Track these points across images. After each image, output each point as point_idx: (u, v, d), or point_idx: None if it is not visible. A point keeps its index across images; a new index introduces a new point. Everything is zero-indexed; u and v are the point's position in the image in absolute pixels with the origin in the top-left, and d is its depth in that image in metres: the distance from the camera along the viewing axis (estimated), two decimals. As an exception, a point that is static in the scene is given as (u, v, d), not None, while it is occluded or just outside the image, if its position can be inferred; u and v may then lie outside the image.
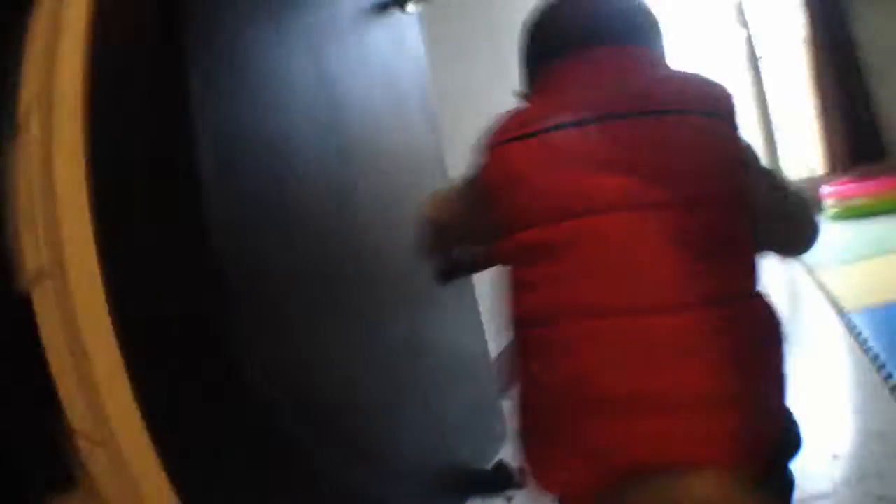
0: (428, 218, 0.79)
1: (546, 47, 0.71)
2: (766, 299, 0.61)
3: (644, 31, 0.71)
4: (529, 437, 0.62)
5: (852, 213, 3.84)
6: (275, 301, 0.93)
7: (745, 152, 0.64)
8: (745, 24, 4.50)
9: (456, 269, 0.88)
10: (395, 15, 1.46)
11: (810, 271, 2.77)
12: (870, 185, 3.86)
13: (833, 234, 3.46)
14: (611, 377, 0.55)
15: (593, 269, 0.58)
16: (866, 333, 1.81)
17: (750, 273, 0.61)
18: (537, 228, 0.60)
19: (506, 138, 0.65)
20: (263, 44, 0.99)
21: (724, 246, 0.59)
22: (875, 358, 1.63)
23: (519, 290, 0.63)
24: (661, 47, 0.72)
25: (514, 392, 0.63)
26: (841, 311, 2.14)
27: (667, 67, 0.70)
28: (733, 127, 0.63)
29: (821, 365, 1.77)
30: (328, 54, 1.16)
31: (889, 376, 1.49)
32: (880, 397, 1.45)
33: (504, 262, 0.65)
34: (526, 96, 0.75)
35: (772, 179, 0.69)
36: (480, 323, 1.63)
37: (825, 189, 4.03)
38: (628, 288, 0.57)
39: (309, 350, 0.98)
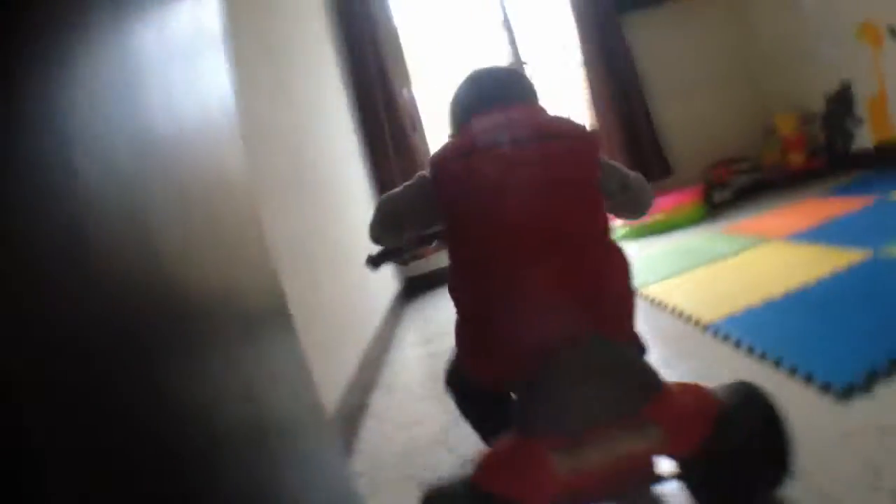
0: (384, 207, 1.19)
1: (472, 104, 1.17)
2: (614, 243, 1.07)
3: (529, 93, 1.20)
4: (467, 343, 1.13)
5: (645, 231, 3.76)
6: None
7: (601, 158, 1.08)
8: (517, 55, 4.33)
9: (386, 256, 1.25)
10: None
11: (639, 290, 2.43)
12: (659, 203, 3.78)
13: (641, 252, 3.28)
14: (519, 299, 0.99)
15: (500, 233, 1.02)
16: (746, 339, 1.65)
17: (602, 223, 1.06)
18: (471, 219, 1.05)
19: (448, 156, 1.08)
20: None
21: (581, 206, 1.05)
22: (763, 355, 1.54)
23: (460, 246, 1.09)
24: (538, 101, 1.21)
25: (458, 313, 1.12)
26: (703, 326, 1.87)
27: (545, 112, 1.15)
28: (591, 144, 1.08)
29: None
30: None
31: (794, 369, 1.41)
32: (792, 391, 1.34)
33: (446, 239, 1.12)
34: (454, 135, 1.20)
35: (619, 171, 1.15)
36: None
37: None
38: (523, 243, 1.01)
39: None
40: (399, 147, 4.09)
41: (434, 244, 1.24)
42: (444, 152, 1.08)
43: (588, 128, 1.21)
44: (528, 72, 4.29)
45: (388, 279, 3.64)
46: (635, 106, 4.20)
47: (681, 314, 2.04)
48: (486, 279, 1.03)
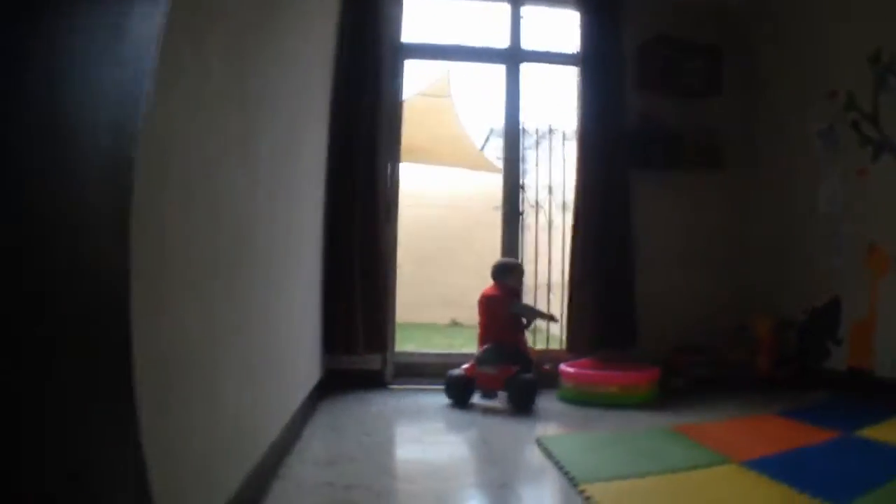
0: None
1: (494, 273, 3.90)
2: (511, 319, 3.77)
3: (507, 273, 3.86)
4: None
5: (594, 400, 3.49)
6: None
7: (510, 302, 3.77)
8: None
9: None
10: None
11: (576, 485, 2.13)
12: (614, 376, 3.54)
13: (587, 431, 2.97)
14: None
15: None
16: None
17: (510, 329, 3.73)
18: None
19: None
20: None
21: (499, 323, 3.72)
22: None
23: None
24: (506, 278, 3.85)
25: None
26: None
27: (504, 284, 3.83)
28: (504, 297, 3.77)
29: None
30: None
31: None
32: None
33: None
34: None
35: (516, 305, 3.81)
36: None
37: (566, 367, 3.71)
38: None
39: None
40: (365, 237, 3.79)
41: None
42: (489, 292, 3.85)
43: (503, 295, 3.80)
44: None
45: (311, 366, 3.25)
46: (620, 267, 4.04)
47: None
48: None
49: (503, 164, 4.34)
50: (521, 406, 3.36)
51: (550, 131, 4.44)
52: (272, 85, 2.19)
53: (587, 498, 2.02)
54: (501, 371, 3.45)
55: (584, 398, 3.52)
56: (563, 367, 3.71)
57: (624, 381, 3.54)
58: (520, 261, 4.14)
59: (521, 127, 4.27)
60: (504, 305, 3.68)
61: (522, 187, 4.26)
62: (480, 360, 3.54)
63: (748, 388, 3.83)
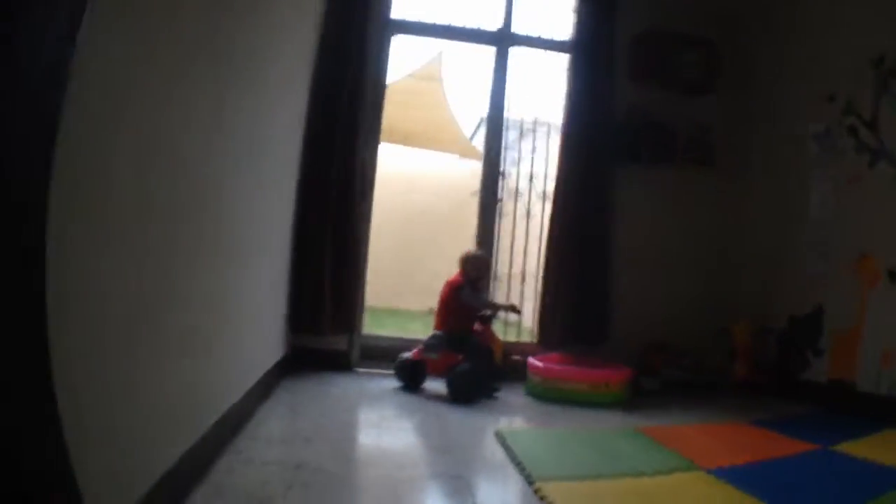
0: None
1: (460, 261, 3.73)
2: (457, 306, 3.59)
3: (466, 262, 3.69)
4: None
5: (561, 396, 3.39)
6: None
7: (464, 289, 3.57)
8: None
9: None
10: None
11: (532, 482, 2.03)
12: (585, 373, 3.45)
13: (550, 428, 2.87)
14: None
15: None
16: None
17: (461, 318, 3.58)
18: None
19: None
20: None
21: (449, 311, 3.59)
22: None
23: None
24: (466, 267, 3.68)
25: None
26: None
27: (465, 273, 3.67)
28: (466, 285, 3.58)
29: None
30: None
31: None
32: None
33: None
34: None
35: (466, 294, 3.55)
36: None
37: (534, 361, 3.59)
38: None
39: None
40: (339, 215, 3.66)
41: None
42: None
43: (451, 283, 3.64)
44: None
45: (273, 342, 3.14)
46: (596, 261, 3.94)
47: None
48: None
49: (484, 147, 4.22)
50: (456, 396, 3.26)
51: (536, 122, 4.30)
52: (250, 43, 2.07)
53: (541, 498, 1.92)
54: (444, 358, 3.38)
55: (551, 394, 3.42)
56: (531, 360, 3.62)
57: (594, 379, 3.44)
58: (491, 250, 4.05)
59: (505, 111, 4.14)
60: (455, 294, 3.56)
61: (502, 174, 4.14)
62: (426, 346, 3.49)
63: (724, 395, 3.76)
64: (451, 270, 3.68)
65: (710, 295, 4.18)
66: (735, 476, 2.20)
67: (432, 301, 8.83)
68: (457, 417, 2.94)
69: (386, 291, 7.10)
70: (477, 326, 3.59)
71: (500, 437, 2.55)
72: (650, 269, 4.14)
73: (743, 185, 4.26)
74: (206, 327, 1.92)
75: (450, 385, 3.31)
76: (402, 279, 7.93)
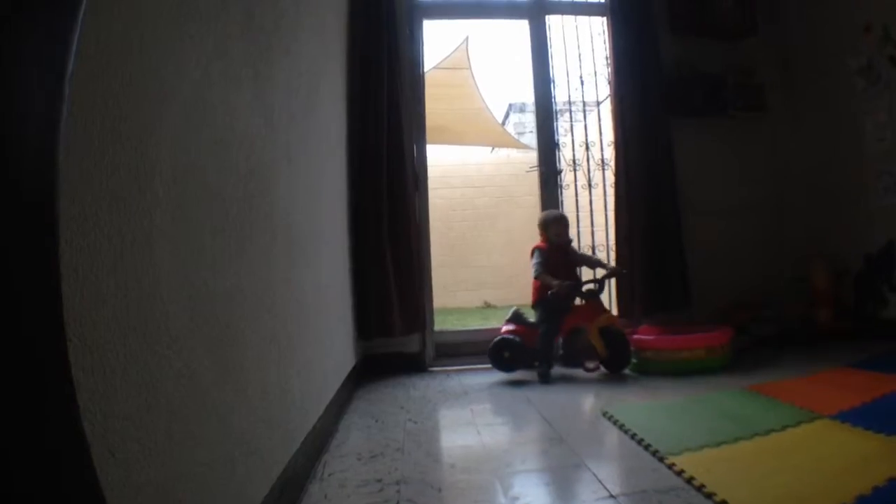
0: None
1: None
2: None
3: (545, 226, 3.45)
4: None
5: (667, 369, 3.20)
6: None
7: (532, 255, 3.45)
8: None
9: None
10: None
11: (662, 459, 1.85)
12: (682, 339, 3.24)
13: (658, 403, 2.69)
14: None
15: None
16: None
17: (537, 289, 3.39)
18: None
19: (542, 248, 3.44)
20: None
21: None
22: None
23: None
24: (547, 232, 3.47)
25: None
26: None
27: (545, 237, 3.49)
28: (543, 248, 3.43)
29: None
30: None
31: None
32: None
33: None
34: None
35: (534, 266, 3.39)
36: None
37: (643, 336, 3.37)
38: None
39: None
40: (395, 209, 3.51)
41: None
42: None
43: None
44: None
45: (345, 351, 2.99)
46: (667, 222, 3.73)
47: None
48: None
49: (535, 119, 4.03)
50: (539, 369, 3.25)
51: (582, 83, 4.10)
52: (287, 20, 1.93)
53: (679, 472, 1.74)
54: (517, 330, 3.36)
55: (664, 367, 3.19)
56: (637, 336, 3.35)
57: (711, 343, 3.19)
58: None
59: (552, 80, 3.96)
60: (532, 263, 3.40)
61: (558, 145, 3.95)
62: (506, 321, 3.45)
63: (812, 343, 3.59)
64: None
65: (780, 243, 4.03)
66: (858, 418, 2.11)
67: (485, 295, 8.73)
68: (554, 403, 2.76)
69: (438, 290, 6.99)
70: (578, 301, 3.40)
71: (611, 417, 2.37)
72: (718, 222, 3.94)
73: (797, 127, 4.09)
74: (286, 334, 1.77)
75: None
76: (451, 277, 7.79)
